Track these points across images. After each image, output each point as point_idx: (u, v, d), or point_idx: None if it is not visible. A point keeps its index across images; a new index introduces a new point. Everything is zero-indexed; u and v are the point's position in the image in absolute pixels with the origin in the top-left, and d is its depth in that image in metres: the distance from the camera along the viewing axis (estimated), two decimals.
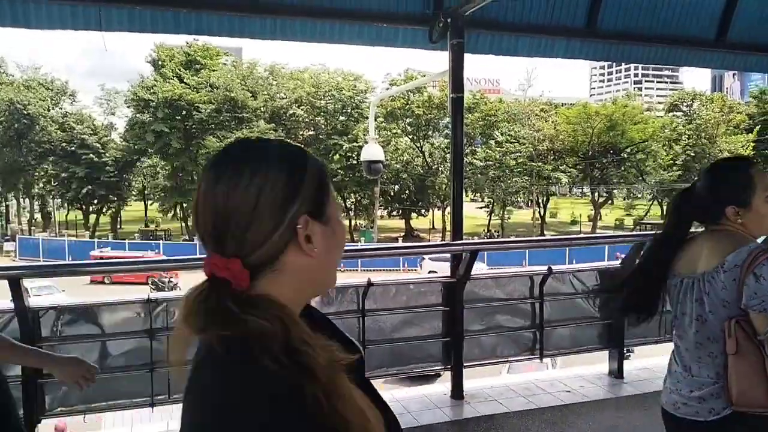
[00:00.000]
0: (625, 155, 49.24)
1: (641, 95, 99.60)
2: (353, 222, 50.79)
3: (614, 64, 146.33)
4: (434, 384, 4.75)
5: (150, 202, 57.92)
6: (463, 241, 4.66)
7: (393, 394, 4.57)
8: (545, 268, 4.78)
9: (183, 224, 52.10)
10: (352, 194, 48.96)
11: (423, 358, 4.53)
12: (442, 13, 4.87)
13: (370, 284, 4.24)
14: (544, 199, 52.05)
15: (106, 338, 3.87)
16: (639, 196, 54.68)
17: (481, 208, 53.56)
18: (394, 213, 53.21)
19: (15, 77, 54.65)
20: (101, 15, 4.48)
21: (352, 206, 51.40)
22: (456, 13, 4.79)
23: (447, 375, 4.63)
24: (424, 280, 4.77)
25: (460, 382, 4.57)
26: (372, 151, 6.56)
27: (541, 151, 47.89)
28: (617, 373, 5.00)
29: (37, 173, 52.38)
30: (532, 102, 51.78)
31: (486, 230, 49.25)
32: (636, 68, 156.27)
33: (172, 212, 51.85)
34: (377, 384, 3.75)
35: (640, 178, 50.23)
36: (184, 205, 49.99)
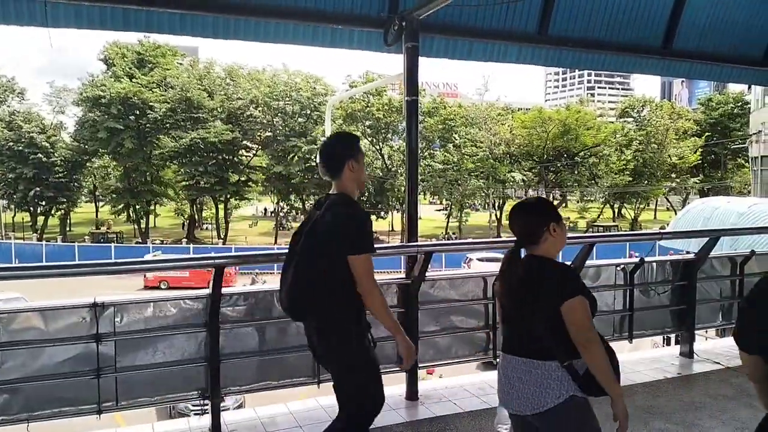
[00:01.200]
0: (579, 159, 50.46)
1: (594, 101, 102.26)
2: None
3: (568, 70, 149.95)
4: (387, 386, 4.73)
5: (101, 203, 56.31)
6: (418, 243, 4.68)
7: None
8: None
9: (135, 226, 50.77)
10: (311, 196, 48.65)
11: (379, 360, 4.52)
12: (397, 16, 4.90)
13: None
14: (501, 201, 52.86)
15: (51, 344, 3.73)
16: (592, 199, 56.09)
17: (439, 210, 54.03)
18: None
19: None
20: (47, 11, 4.34)
21: (311, 208, 51.18)
22: (410, 16, 4.82)
23: (402, 376, 4.63)
24: (379, 282, 4.76)
25: (415, 383, 4.59)
26: None
27: (497, 154, 48.64)
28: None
29: None
30: (489, 106, 52.55)
31: (444, 232, 49.71)
32: (589, 74, 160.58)
33: (125, 214, 50.44)
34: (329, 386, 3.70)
35: (593, 181, 51.55)
36: (137, 206, 48.79)
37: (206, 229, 56.51)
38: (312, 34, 5.00)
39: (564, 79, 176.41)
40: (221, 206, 50.64)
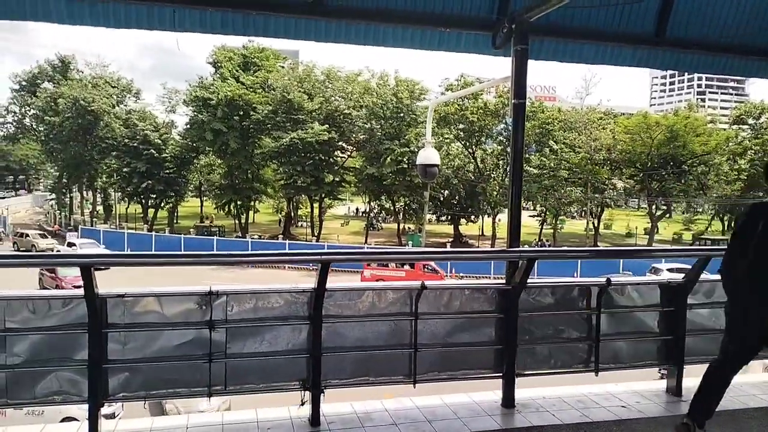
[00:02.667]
0: (686, 168, 47.54)
1: (704, 106, 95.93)
2: (402, 225, 50.85)
3: (676, 73, 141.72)
4: (485, 391, 4.69)
5: (205, 198, 59.60)
6: (520, 249, 4.59)
7: (443, 399, 4.55)
8: (603, 279, 4.68)
9: (236, 221, 53.34)
10: (401, 198, 49.00)
11: (475, 365, 4.49)
12: (507, 18, 4.84)
13: (423, 287, 4.24)
14: (599, 209, 50.76)
15: (168, 327, 4.00)
16: (699, 210, 52.64)
17: (533, 216, 52.70)
18: (443, 218, 52.96)
19: (84, 74, 57.38)
20: (175, 16, 4.67)
21: (401, 210, 51.43)
22: (521, 18, 4.74)
23: (498, 383, 4.57)
24: (479, 286, 4.73)
25: (512, 391, 4.51)
26: (428, 155, 6.55)
27: (597, 160, 46.76)
28: (675, 391, 4.84)
29: (100, 167, 54.74)
30: (589, 110, 50.62)
31: (537, 239, 48.43)
32: (699, 78, 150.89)
33: (227, 209, 53.15)
34: (428, 387, 3.75)
35: (701, 191, 48.38)
36: (239, 202, 51.22)
37: (301, 226, 58.37)
38: (420, 37, 5.04)
39: (672, 84, 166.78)
40: (316, 205, 52.11)
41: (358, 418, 4.24)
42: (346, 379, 4.26)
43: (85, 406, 3.84)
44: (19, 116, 62.00)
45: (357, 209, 67.39)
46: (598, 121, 49.07)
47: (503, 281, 4.59)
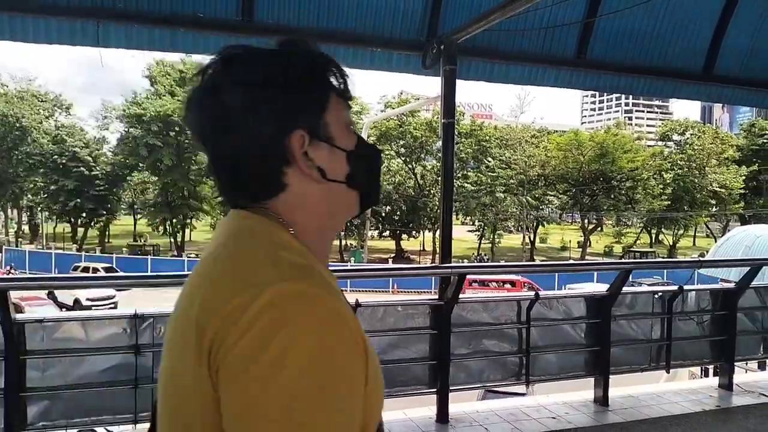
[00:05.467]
0: (615, 183, 49.71)
1: (632, 124, 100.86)
2: (343, 242, 50.72)
3: (605, 93, 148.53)
4: (418, 408, 4.72)
5: (139, 216, 57.64)
6: (452, 264, 4.68)
7: None
8: (532, 293, 4.83)
9: (172, 240, 51.80)
10: None
11: (410, 381, 4.52)
12: (436, 40, 4.97)
13: (357, 305, 4.25)
14: (534, 224, 52.29)
15: (92, 353, 3.84)
16: (629, 223, 55.06)
17: (471, 231, 53.70)
18: (385, 234, 53.20)
19: (9, 88, 54.72)
20: (99, 31, 4.54)
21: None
22: (449, 40, 4.88)
23: (432, 398, 4.61)
24: (413, 302, 4.78)
25: (446, 406, 4.56)
26: None
27: (531, 176, 48.25)
28: (602, 401, 5.01)
29: (26, 185, 52.07)
30: (524, 128, 52.30)
31: (476, 254, 49.35)
32: (627, 98, 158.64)
33: (162, 227, 51.54)
34: None
35: (630, 206, 50.66)
36: (174, 220, 49.80)
37: None
38: (352, 56, 5.09)
39: (601, 102, 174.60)
40: None
41: None
42: None
43: None
44: None
45: None
46: (531, 139, 50.76)
47: (436, 297, 4.66)
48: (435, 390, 4.53)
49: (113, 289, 29.05)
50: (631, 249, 51.67)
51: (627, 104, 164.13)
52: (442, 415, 4.53)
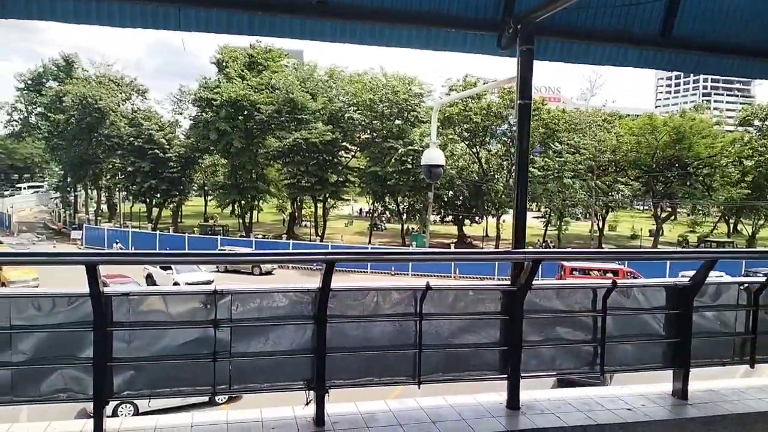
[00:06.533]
0: (691, 170, 47.40)
1: (710, 108, 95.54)
2: (405, 226, 50.81)
3: (683, 74, 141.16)
4: (488, 393, 4.68)
5: (209, 198, 59.70)
6: (526, 250, 4.58)
7: (448, 399, 4.54)
8: (609, 281, 4.66)
9: (240, 221, 53.42)
10: (405, 198, 48.96)
11: (480, 366, 4.48)
12: (512, 19, 4.84)
13: (428, 288, 4.23)
14: (604, 211, 50.63)
15: (173, 326, 4.00)
16: (705, 212, 52.45)
17: (537, 217, 52.58)
18: (447, 219, 52.90)
19: (89, 73, 57.59)
20: (180, 15, 4.68)
21: (405, 210, 51.37)
22: (526, 19, 4.74)
23: (503, 384, 4.55)
24: (484, 288, 4.72)
25: (517, 393, 4.49)
26: (433, 155, 6.55)
27: (601, 162, 46.65)
28: (681, 394, 4.81)
29: (105, 166, 54.87)
30: (594, 112, 50.51)
31: (542, 241, 48.34)
32: (705, 80, 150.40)
33: (230, 209, 53.22)
34: (432, 388, 3.73)
35: (707, 194, 48.25)
36: (242, 202, 51.29)
37: (305, 226, 58.41)
38: (426, 37, 5.04)
39: (677, 85, 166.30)
40: (320, 205, 52.14)
41: (363, 418, 4.23)
42: (350, 379, 4.26)
43: None
44: (25, 114, 62.29)
45: (361, 209, 67.40)
46: (602, 123, 48.97)
47: (509, 282, 4.58)
48: (506, 376, 4.47)
49: (210, 273, 30.24)
50: (708, 239, 49.26)
51: (705, 86, 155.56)
52: (513, 402, 4.47)
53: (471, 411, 4.39)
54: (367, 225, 54.36)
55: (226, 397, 12.94)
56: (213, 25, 4.79)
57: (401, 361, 4.31)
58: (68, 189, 62.37)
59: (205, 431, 3.97)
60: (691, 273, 4.92)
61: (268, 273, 36.04)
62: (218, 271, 34.53)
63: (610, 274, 27.92)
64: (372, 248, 42.31)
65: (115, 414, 12.27)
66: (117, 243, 43.53)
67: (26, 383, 3.86)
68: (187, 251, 33.73)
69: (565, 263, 29.35)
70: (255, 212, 55.65)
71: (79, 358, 3.86)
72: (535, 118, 46.25)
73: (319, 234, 50.80)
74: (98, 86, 52.94)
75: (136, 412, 12.88)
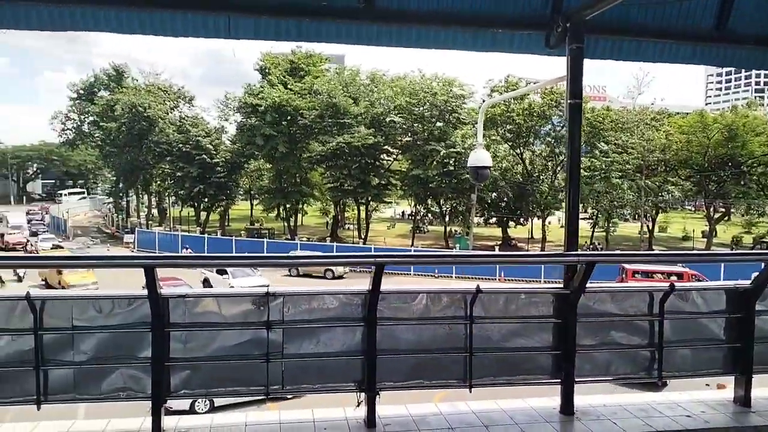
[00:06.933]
0: (745, 169, 45.58)
1: (763, 104, 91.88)
2: (448, 228, 50.51)
3: (734, 70, 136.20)
4: (539, 397, 4.60)
5: (255, 202, 60.75)
6: (579, 252, 4.49)
7: (499, 403, 4.49)
8: (666, 284, 4.53)
9: (285, 224, 54.17)
10: (448, 200, 48.67)
11: (532, 370, 4.42)
12: (561, 17, 4.75)
13: (479, 291, 4.20)
14: (653, 212, 49.19)
15: (227, 327, 4.09)
16: (760, 212, 50.35)
17: (584, 219, 51.52)
18: (491, 221, 52.35)
19: (138, 82, 59.50)
20: (230, 24, 4.78)
21: (448, 212, 51.05)
22: (576, 17, 4.64)
23: (556, 389, 4.47)
24: (536, 291, 4.66)
25: (571, 398, 4.41)
26: (480, 157, 6.49)
27: (650, 162, 45.35)
28: (743, 401, 4.63)
29: (154, 171, 56.50)
30: (641, 110, 49.15)
31: (589, 242, 47.30)
32: (757, 75, 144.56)
33: (276, 212, 54.04)
34: (484, 392, 3.69)
35: (762, 193, 46.28)
36: (287, 206, 52.00)
37: (348, 228, 58.78)
38: (472, 39, 5.00)
39: (728, 81, 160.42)
40: (363, 208, 52.39)
41: (414, 420, 4.23)
42: (400, 381, 4.26)
43: None
44: (78, 123, 64.76)
45: (403, 212, 67.39)
46: (651, 121, 47.61)
47: (561, 285, 4.50)
48: (559, 381, 4.39)
49: (264, 278, 30.71)
50: (763, 240, 47.26)
51: (758, 82, 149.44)
52: (567, 407, 4.39)
53: (523, 415, 4.33)
54: (409, 227, 54.30)
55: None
56: (262, 33, 4.87)
57: (451, 364, 4.29)
58: (120, 194, 64.55)
59: (259, 430, 4.04)
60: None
61: (340, 277, 36.01)
62: (289, 275, 35.30)
63: (674, 278, 27.02)
64: (415, 251, 42.28)
65: (193, 408, 12.67)
66: (187, 248, 44.70)
67: (88, 382, 4.01)
68: (242, 254, 34.02)
69: (627, 266, 28.40)
70: (299, 215, 56.30)
71: (137, 358, 3.98)
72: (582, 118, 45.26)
73: (362, 236, 51.02)
74: (147, 95, 54.59)
75: (212, 407, 13.36)
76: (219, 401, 12.73)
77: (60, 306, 3.91)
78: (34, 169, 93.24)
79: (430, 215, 55.23)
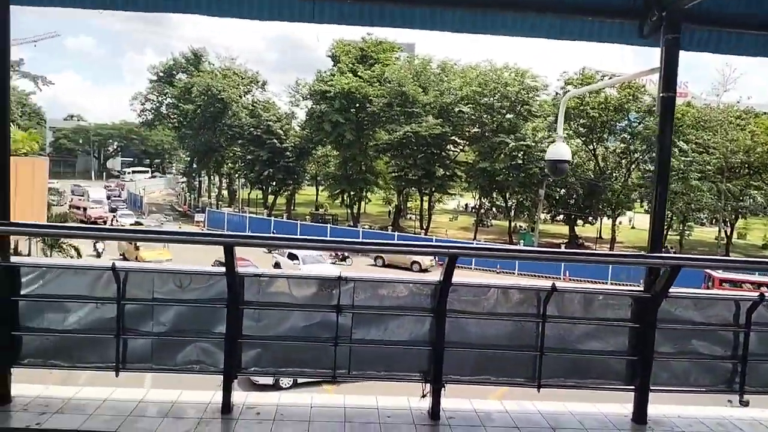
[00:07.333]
0: None
1: None
2: (513, 223, 49.62)
3: None
4: (612, 403, 4.43)
5: (320, 188, 61.72)
6: (664, 254, 4.27)
7: (567, 406, 4.35)
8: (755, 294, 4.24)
9: (348, 211, 54.76)
10: (514, 195, 47.74)
11: (605, 374, 4.25)
12: (657, 6, 4.50)
13: (554, 289, 4.07)
14: (733, 217, 46.57)
15: (298, 309, 4.14)
16: None
17: None
18: (558, 218, 51.05)
19: (214, 66, 61.39)
20: (315, 8, 4.79)
21: (513, 207, 50.15)
22: (673, 5, 4.39)
23: (628, 396, 4.29)
24: (613, 292, 4.47)
25: (645, 406, 4.22)
26: (559, 150, 6.28)
27: (733, 163, 42.87)
28: None
29: (226, 154, 58.26)
30: (726, 108, 46.45)
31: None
32: None
33: (340, 199, 54.73)
34: (553, 392, 3.58)
35: None
36: (351, 193, 52.51)
37: (410, 218, 58.80)
38: (560, 27, 4.81)
39: None
40: (426, 198, 52.22)
41: (478, 416, 4.16)
42: (467, 375, 4.20)
43: None
44: (156, 104, 67.52)
45: (466, 205, 66.71)
46: (735, 120, 44.95)
47: (641, 289, 4.30)
48: (633, 388, 4.21)
49: (335, 266, 30.93)
50: None
51: None
52: (640, 416, 4.21)
53: (593, 421, 4.18)
54: (471, 221, 53.74)
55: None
56: (346, 17, 4.85)
57: (520, 362, 4.19)
58: (193, 174, 66.99)
59: (324, 413, 4.08)
60: None
61: (425, 270, 35.31)
62: (375, 265, 35.53)
63: (765, 288, 25.43)
64: (479, 245, 41.79)
65: (277, 384, 12.95)
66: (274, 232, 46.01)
67: (164, 353, 4.15)
68: (314, 237, 34.98)
69: (714, 273, 26.78)
70: (362, 203, 56.78)
71: (212, 332, 4.10)
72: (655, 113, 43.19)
73: (424, 227, 50.92)
74: (223, 78, 56.23)
75: (295, 383, 13.32)
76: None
77: (142, 278, 4.07)
78: (115, 147, 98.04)
79: (494, 209, 54.41)
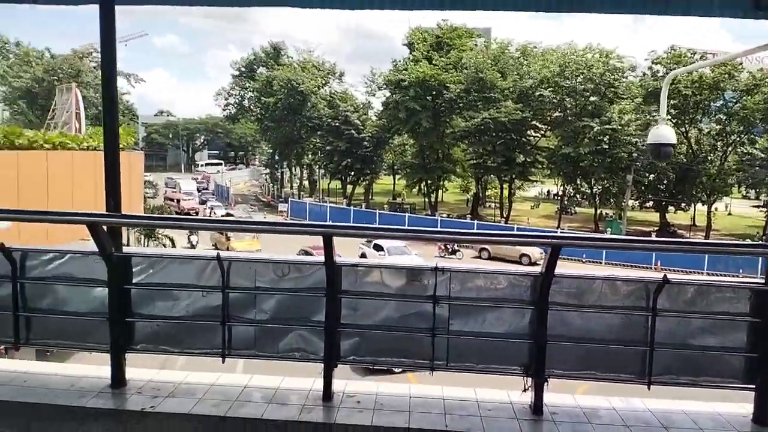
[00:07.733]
0: None
1: None
2: (599, 211, 47.79)
3: None
4: (729, 403, 4.15)
5: (397, 177, 61.99)
6: None
7: (680, 405, 4.11)
8: None
9: (426, 199, 54.67)
10: (599, 181, 45.90)
11: (721, 372, 3.98)
12: None
13: (666, 281, 3.84)
14: None
15: (395, 299, 4.13)
16: None
17: (756, 206, 46.20)
18: (648, 205, 48.67)
19: (293, 59, 62.78)
20: None
21: (599, 194, 48.29)
22: None
23: (747, 395, 4.00)
24: (730, 285, 4.17)
25: (766, 407, 3.92)
26: (662, 133, 5.92)
27: None
28: None
29: (306, 145, 59.60)
30: None
31: (762, 233, 42.37)
32: None
33: (417, 188, 54.71)
34: (662, 390, 3.36)
35: None
36: (428, 181, 52.35)
37: (488, 207, 57.97)
38: (665, 1, 4.51)
39: None
40: (505, 186, 51.23)
41: (584, 412, 4.01)
42: (570, 370, 4.06)
43: None
44: (239, 98, 69.94)
45: (548, 192, 64.94)
46: None
47: (761, 281, 3.99)
48: (753, 386, 3.92)
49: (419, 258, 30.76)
50: None
51: None
52: (762, 416, 3.91)
53: (709, 421, 3.93)
54: (554, 208, 52.26)
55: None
56: (409, 2, 4.76)
57: (628, 357, 3.99)
58: (275, 166, 69.04)
59: (423, 403, 4.06)
60: None
61: (534, 264, 32.62)
62: (479, 257, 35.08)
63: None
64: (561, 233, 40.56)
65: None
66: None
67: (266, 340, 4.27)
68: (409, 227, 35.43)
69: None
70: (440, 191, 56.55)
71: (311, 321, 4.17)
72: (756, 92, 40.12)
73: (504, 215, 50.01)
74: (302, 71, 57.39)
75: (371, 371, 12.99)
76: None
77: (244, 267, 4.19)
78: (202, 141, 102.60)
79: (578, 196, 52.68)
